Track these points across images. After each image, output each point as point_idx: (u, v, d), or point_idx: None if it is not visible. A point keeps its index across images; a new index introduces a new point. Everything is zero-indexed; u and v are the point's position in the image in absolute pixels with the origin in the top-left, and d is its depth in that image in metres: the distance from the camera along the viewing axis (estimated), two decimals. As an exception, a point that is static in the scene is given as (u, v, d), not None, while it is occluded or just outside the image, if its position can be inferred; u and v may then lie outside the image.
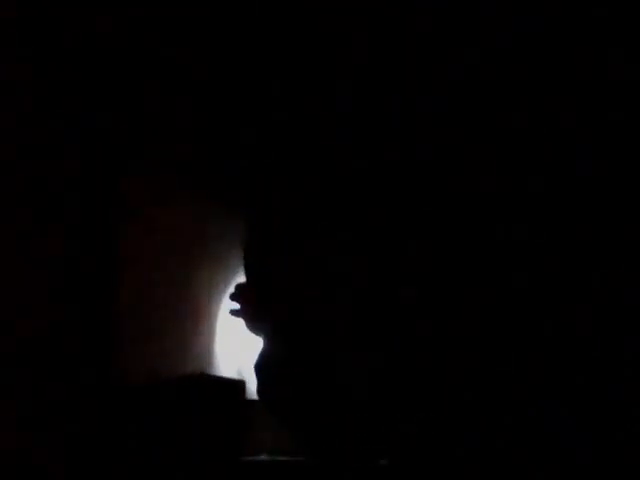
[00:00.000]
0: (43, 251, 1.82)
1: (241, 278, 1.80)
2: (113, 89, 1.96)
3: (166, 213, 2.14)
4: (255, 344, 1.74)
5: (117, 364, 1.89)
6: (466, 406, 1.36)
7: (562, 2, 1.42)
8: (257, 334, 1.67)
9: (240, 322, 1.76)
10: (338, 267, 1.47)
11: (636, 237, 1.35)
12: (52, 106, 1.89)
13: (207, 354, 2.21)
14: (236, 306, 1.76)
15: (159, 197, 2.13)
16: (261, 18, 1.85)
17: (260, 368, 1.56)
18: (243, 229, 1.69)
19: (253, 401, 2.21)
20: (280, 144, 1.66)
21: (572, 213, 1.38)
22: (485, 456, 1.35)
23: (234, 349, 2.21)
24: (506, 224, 1.40)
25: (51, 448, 1.74)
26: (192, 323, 2.20)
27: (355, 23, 1.63)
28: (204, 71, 2.10)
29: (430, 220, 1.41)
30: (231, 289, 1.81)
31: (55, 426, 1.76)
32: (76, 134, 1.91)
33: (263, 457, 1.95)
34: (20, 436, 1.71)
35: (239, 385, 1.95)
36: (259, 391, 1.58)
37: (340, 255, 1.47)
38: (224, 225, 2.25)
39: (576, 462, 1.30)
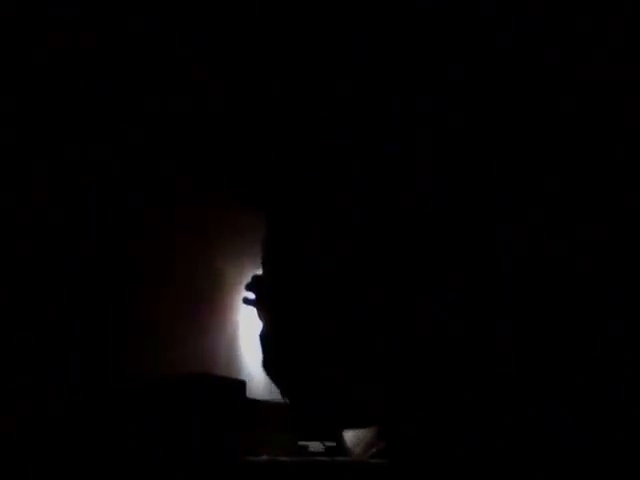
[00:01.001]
0: (45, 249, 1.82)
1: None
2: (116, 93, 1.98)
3: (181, 213, 2.17)
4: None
5: (117, 364, 1.89)
6: (466, 406, 1.36)
7: (563, 2, 1.42)
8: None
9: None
10: (339, 264, 1.47)
11: (636, 238, 1.35)
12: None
13: (229, 353, 2.24)
14: (251, 296, 1.79)
15: (175, 196, 2.16)
16: (262, 18, 1.86)
17: (264, 340, 1.57)
18: (263, 226, 1.70)
19: (253, 401, 2.21)
20: (290, 147, 1.67)
21: (571, 212, 1.38)
22: (485, 456, 1.35)
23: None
24: (506, 223, 1.40)
25: (51, 448, 1.74)
26: (206, 321, 2.22)
27: (355, 23, 1.63)
28: (205, 72, 2.10)
29: (430, 218, 1.41)
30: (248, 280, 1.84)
31: (55, 426, 1.76)
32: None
33: (263, 457, 1.95)
34: (21, 436, 1.71)
35: (239, 385, 1.95)
36: (264, 361, 1.59)
37: (342, 253, 1.47)
38: (243, 222, 2.29)
39: (575, 462, 1.30)
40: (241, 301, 2.30)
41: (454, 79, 1.46)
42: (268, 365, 1.54)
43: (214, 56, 2.08)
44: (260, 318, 1.70)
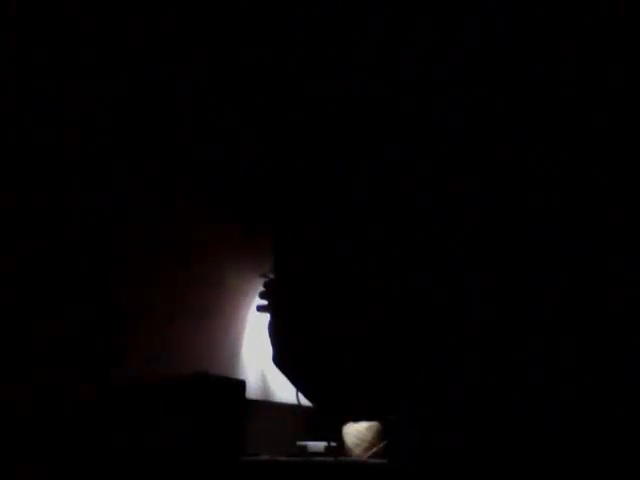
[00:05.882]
0: (40, 246, 1.82)
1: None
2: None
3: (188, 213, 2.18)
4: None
5: (118, 364, 1.89)
6: (466, 405, 1.36)
7: (566, 2, 1.42)
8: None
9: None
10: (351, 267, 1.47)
11: (636, 239, 1.35)
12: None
13: (232, 355, 2.25)
14: (264, 303, 1.78)
15: (175, 200, 2.17)
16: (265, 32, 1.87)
17: (271, 334, 1.56)
18: (274, 232, 1.69)
19: (253, 401, 2.21)
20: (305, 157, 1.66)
21: (567, 213, 1.38)
22: (485, 455, 1.35)
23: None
24: (503, 228, 1.40)
25: (51, 448, 1.74)
26: (215, 324, 2.23)
27: (356, 24, 1.63)
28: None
29: (434, 219, 1.41)
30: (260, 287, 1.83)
31: (55, 425, 1.76)
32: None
33: (263, 457, 1.95)
34: (20, 436, 1.71)
35: (239, 385, 1.95)
36: (273, 356, 1.58)
37: (355, 258, 1.47)
38: (254, 226, 2.32)
39: (575, 461, 1.30)
40: (243, 308, 2.31)
41: (456, 79, 1.46)
42: (279, 359, 1.53)
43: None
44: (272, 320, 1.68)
